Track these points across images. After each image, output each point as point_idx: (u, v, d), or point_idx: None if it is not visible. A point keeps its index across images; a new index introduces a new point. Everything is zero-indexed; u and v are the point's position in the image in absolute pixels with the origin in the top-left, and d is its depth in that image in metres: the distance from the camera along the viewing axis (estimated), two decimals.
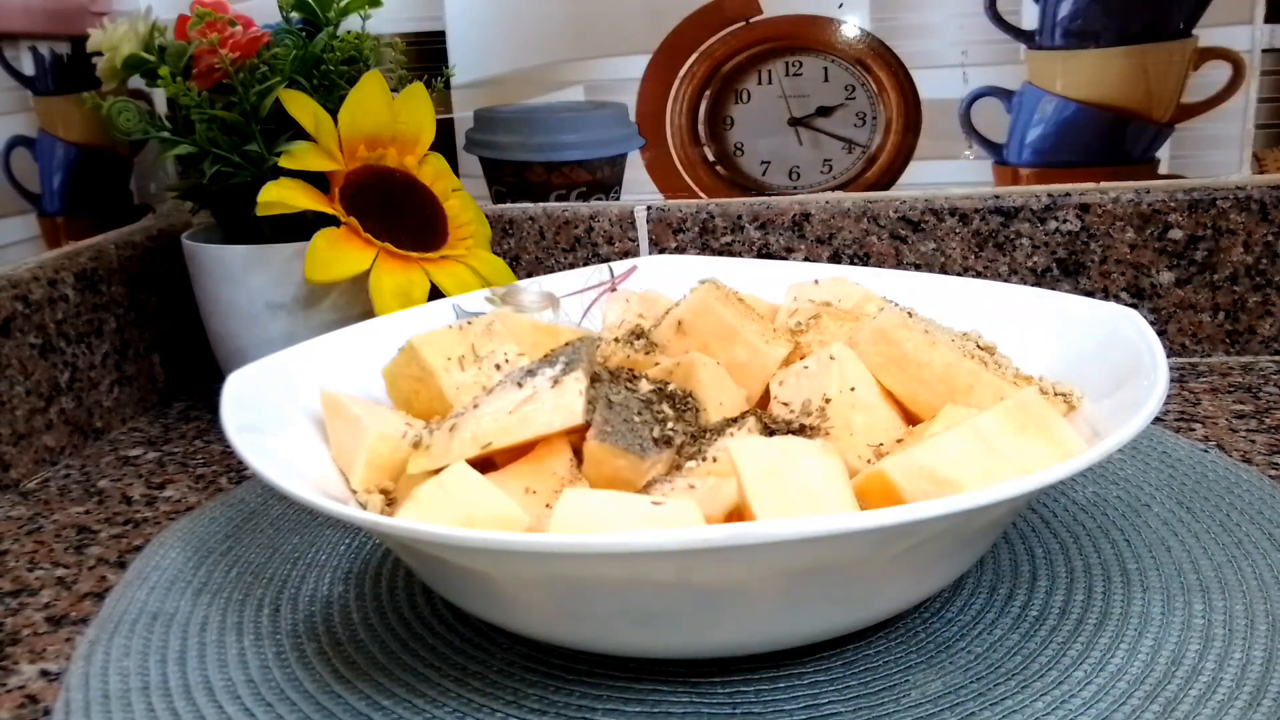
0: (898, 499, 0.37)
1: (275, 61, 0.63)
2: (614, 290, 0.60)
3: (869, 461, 0.43)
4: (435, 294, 0.61)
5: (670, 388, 0.46)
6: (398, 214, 0.64)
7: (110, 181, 0.76)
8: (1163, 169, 0.71)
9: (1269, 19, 0.68)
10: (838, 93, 0.74)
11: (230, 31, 0.61)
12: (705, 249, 0.75)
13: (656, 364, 0.49)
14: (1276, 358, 0.70)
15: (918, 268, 0.72)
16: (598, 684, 0.39)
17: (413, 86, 0.65)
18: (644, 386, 0.45)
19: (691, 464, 0.42)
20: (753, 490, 0.35)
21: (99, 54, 0.66)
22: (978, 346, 0.48)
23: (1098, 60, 0.70)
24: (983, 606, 0.42)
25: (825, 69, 0.74)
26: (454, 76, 0.77)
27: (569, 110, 0.77)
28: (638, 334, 0.53)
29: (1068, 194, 0.70)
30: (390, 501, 0.43)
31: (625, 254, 0.75)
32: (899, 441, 0.44)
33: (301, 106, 0.61)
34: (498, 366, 0.47)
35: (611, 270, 0.61)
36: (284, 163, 0.61)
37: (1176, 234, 0.69)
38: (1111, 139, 0.71)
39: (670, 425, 0.43)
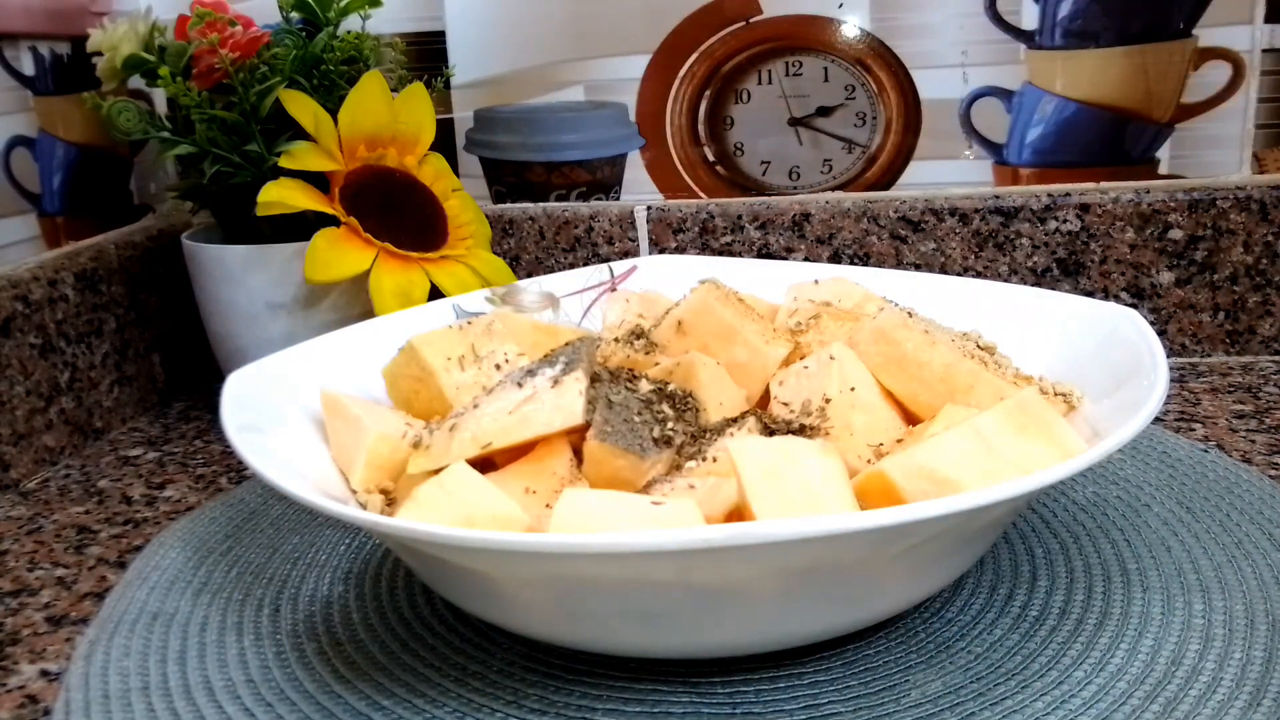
0: (898, 499, 0.37)
1: (275, 61, 0.63)
2: (614, 290, 0.60)
3: (869, 461, 0.43)
4: (435, 294, 0.61)
5: (670, 388, 0.46)
6: (398, 214, 0.64)
7: (110, 181, 0.76)
8: (1163, 169, 0.71)
9: (1269, 19, 0.68)
10: (838, 93, 0.74)
11: (230, 31, 0.61)
12: (705, 249, 0.75)
13: (656, 364, 0.49)
14: (1276, 358, 0.70)
15: (918, 268, 0.72)
16: (598, 684, 0.39)
17: (413, 86, 0.65)
18: (644, 386, 0.45)
19: (691, 464, 0.42)
20: (753, 490, 0.35)
21: (99, 54, 0.66)
22: (978, 346, 0.48)
23: (1098, 60, 0.70)
24: (983, 606, 0.42)
25: (825, 69, 0.74)
26: (454, 76, 0.77)
27: (569, 110, 0.77)
28: (638, 334, 0.53)
29: (1068, 194, 0.70)
30: (390, 501, 0.43)
31: (625, 254, 0.75)
32: (899, 441, 0.44)
33: (301, 106, 0.61)
34: (498, 366, 0.47)
35: (611, 270, 0.61)
36: (284, 163, 0.61)
37: (1176, 234, 0.69)
38: (1111, 139, 0.71)
39: (670, 425, 0.43)
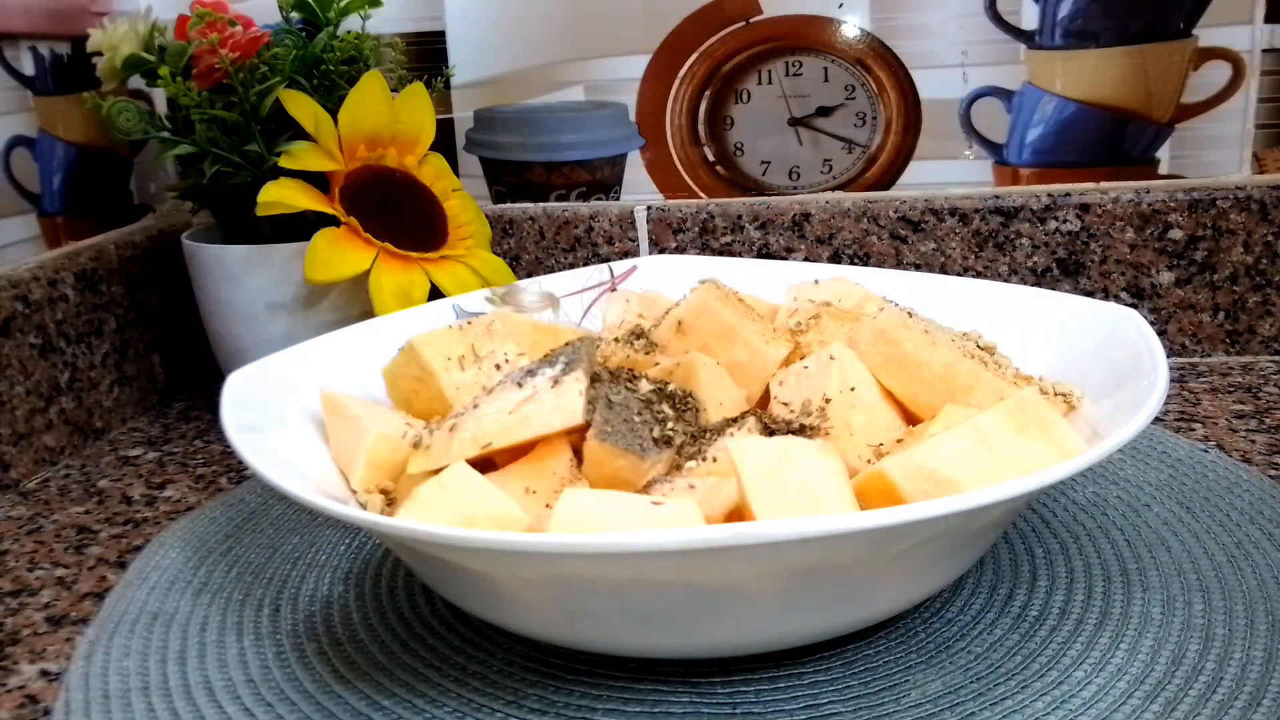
0: (898, 499, 0.37)
1: (275, 61, 0.63)
2: (614, 290, 0.60)
3: (869, 461, 0.43)
4: (435, 294, 0.61)
5: (670, 388, 0.46)
6: (398, 214, 0.64)
7: (110, 181, 0.76)
8: (1163, 169, 0.71)
9: (1269, 19, 0.68)
10: (838, 93, 0.74)
11: (230, 31, 0.61)
12: (705, 249, 0.75)
13: (656, 364, 0.49)
14: (1276, 358, 0.70)
15: (918, 268, 0.72)
16: (598, 684, 0.39)
17: (413, 86, 0.65)
18: (644, 386, 0.45)
19: (691, 464, 0.42)
20: (753, 490, 0.35)
21: (99, 54, 0.66)
22: (978, 346, 0.48)
23: (1098, 60, 0.70)
24: (983, 606, 0.42)
25: (825, 69, 0.74)
26: (454, 76, 0.77)
27: (569, 110, 0.77)
28: (638, 334, 0.53)
29: (1068, 194, 0.70)
30: (390, 501, 0.43)
31: (625, 254, 0.75)
32: (899, 441, 0.44)
33: (301, 106, 0.61)
34: (498, 366, 0.47)
35: (611, 270, 0.61)
36: (284, 163, 0.61)
37: (1176, 234, 0.69)
38: (1111, 139, 0.71)
39: (670, 425, 0.43)
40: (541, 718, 0.37)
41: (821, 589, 0.35)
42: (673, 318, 0.51)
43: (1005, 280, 0.71)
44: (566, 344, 0.46)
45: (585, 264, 0.75)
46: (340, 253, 0.60)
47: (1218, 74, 0.69)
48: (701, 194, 0.77)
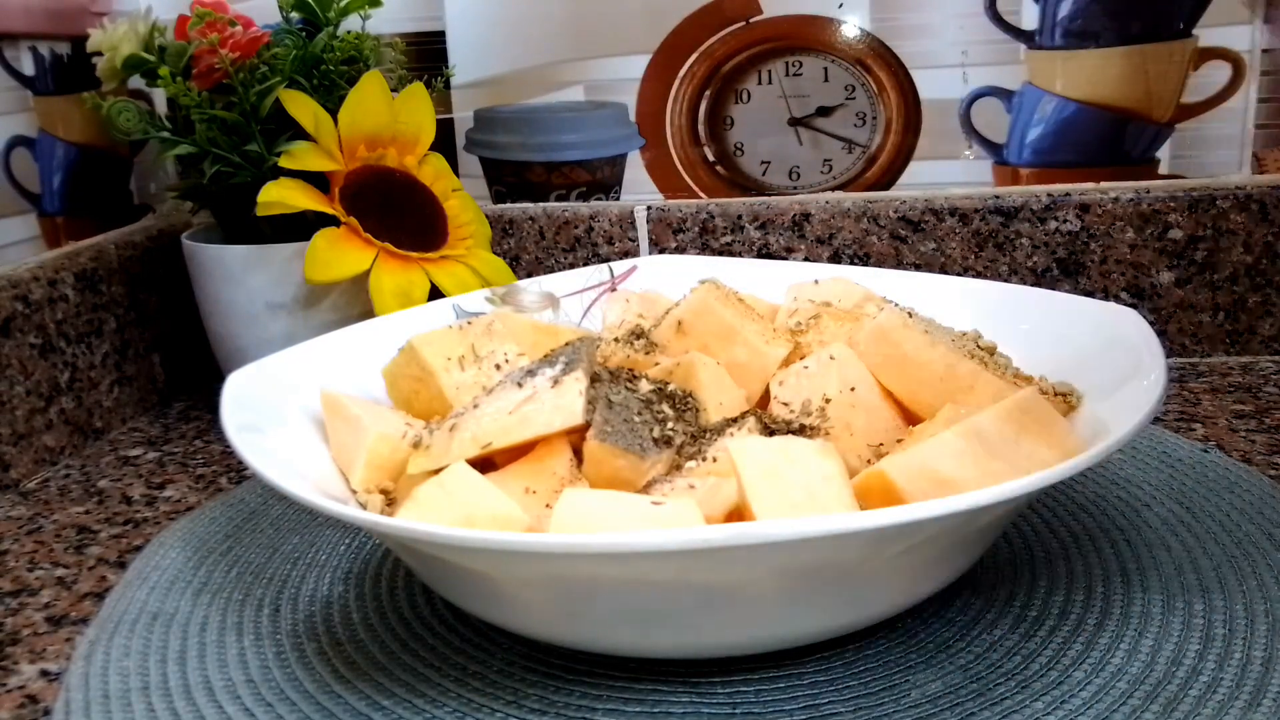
0: (898, 499, 0.37)
1: (275, 61, 0.63)
2: (614, 290, 0.60)
3: (869, 461, 0.43)
4: (435, 294, 0.61)
5: (670, 388, 0.46)
6: (398, 214, 0.64)
7: (110, 181, 0.76)
8: (1163, 169, 0.71)
9: (1269, 19, 0.68)
10: (838, 93, 0.74)
11: (230, 31, 0.61)
12: (705, 249, 0.75)
13: (656, 364, 0.49)
14: (1276, 358, 0.70)
15: (918, 268, 0.72)
16: (598, 684, 0.39)
17: (413, 86, 0.65)
18: (644, 386, 0.45)
19: (691, 464, 0.42)
20: (753, 490, 0.35)
21: (99, 54, 0.66)
22: (978, 346, 0.48)
23: (1098, 60, 0.70)
24: (983, 606, 0.42)
25: (825, 69, 0.74)
26: (454, 76, 0.77)
27: (569, 110, 0.77)
28: (638, 334, 0.53)
29: (1068, 194, 0.70)
30: (390, 501, 0.43)
31: (625, 254, 0.75)
32: (899, 441, 0.44)
33: (301, 106, 0.61)
34: (498, 366, 0.47)
35: (611, 270, 0.61)
36: (284, 163, 0.61)
37: (1176, 234, 0.69)
38: (1111, 139, 0.71)
39: (670, 425, 0.43)
40: (541, 718, 0.37)
41: (821, 589, 0.35)
42: (673, 318, 0.51)
43: (1005, 280, 0.71)
44: (566, 344, 0.46)
45: (585, 264, 0.75)
46: (340, 253, 0.60)
47: (1218, 74, 0.69)
48: (701, 194, 0.77)
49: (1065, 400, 0.44)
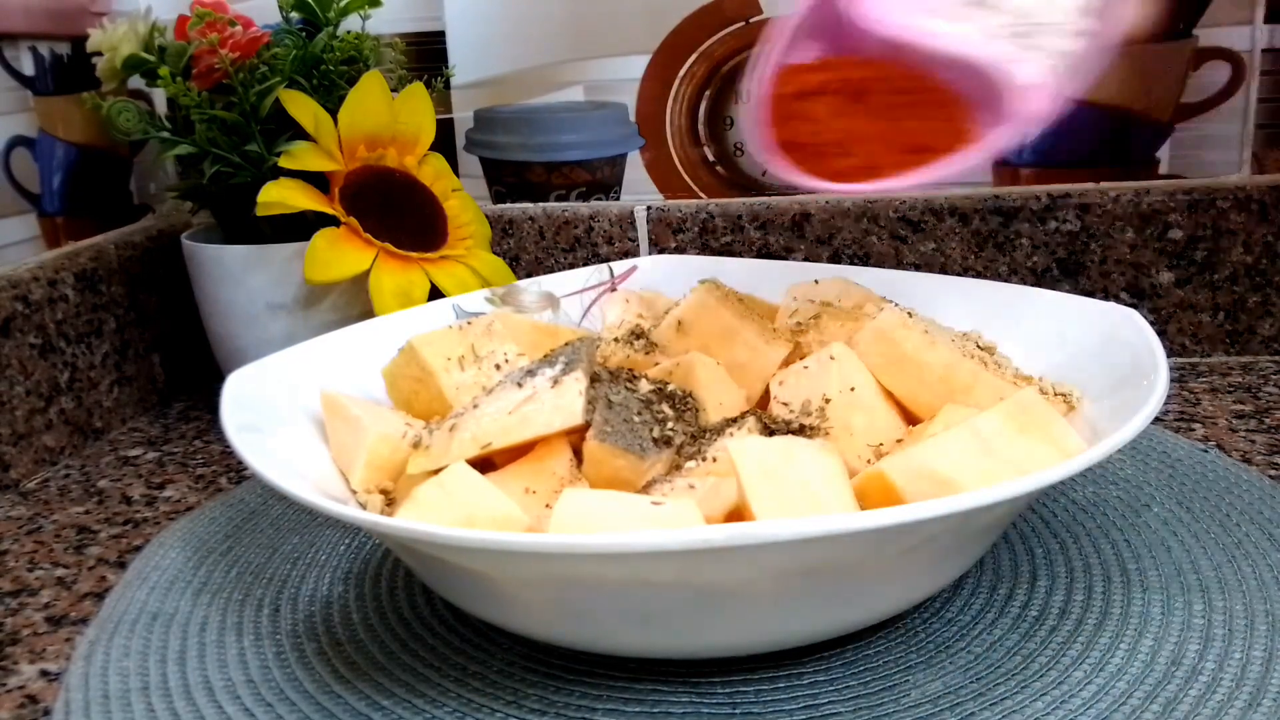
0: (898, 499, 0.37)
1: (275, 61, 0.63)
2: (614, 290, 0.60)
3: (869, 461, 0.43)
4: (435, 294, 0.61)
5: (670, 388, 0.46)
6: (398, 214, 0.64)
7: (110, 181, 0.76)
8: (1163, 169, 0.71)
9: (1269, 19, 0.68)
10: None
11: (230, 31, 0.61)
12: (705, 249, 0.75)
13: (656, 364, 0.49)
14: (1276, 358, 0.70)
15: (918, 268, 0.72)
16: (598, 684, 0.39)
17: (413, 86, 0.65)
18: (644, 386, 0.45)
19: (691, 464, 0.42)
20: (752, 490, 0.35)
21: (99, 54, 0.66)
22: (978, 346, 0.48)
23: None
24: (983, 606, 0.42)
25: None
26: (454, 76, 0.77)
27: (569, 110, 0.77)
28: (638, 334, 0.53)
29: (1068, 194, 0.70)
30: (390, 501, 0.43)
31: (625, 254, 0.75)
32: (899, 441, 0.44)
33: (301, 106, 0.61)
34: (498, 366, 0.47)
35: (611, 270, 0.61)
36: (284, 163, 0.61)
37: (1176, 234, 0.69)
38: (1111, 139, 0.71)
39: (670, 425, 0.43)
40: (541, 718, 0.37)
41: (821, 589, 0.35)
42: (673, 318, 0.51)
43: (1005, 280, 0.71)
44: (566, 344, 0.46)
45: (585, 264, 0.75)
46: (340, 253, 0.60)
47: (1218, 74, 0.69)
48: (701, 194, 0.77)
49: (1065, 400, 0.44)
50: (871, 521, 0.31)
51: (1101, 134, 0.71)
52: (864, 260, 0.73)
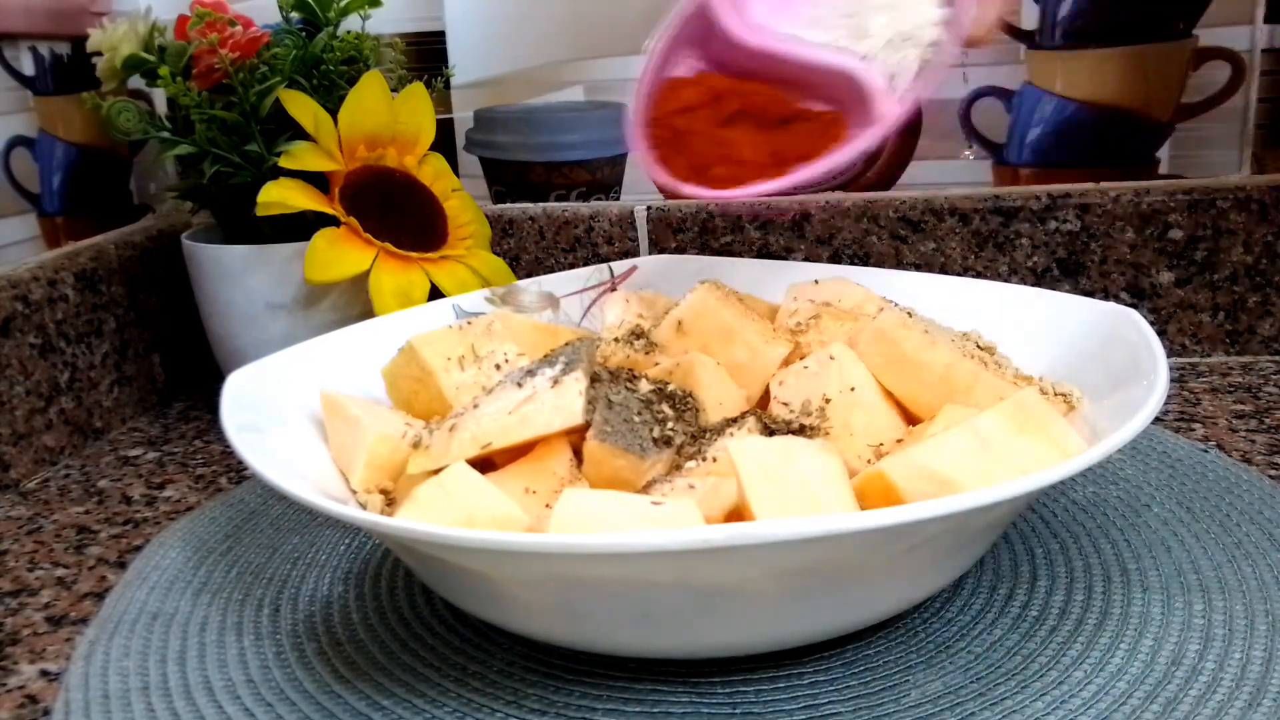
0: (898, 499, 0.37)
1: (275, 61, 0.63)
2: (614, 290, 0.60)
3: (869, 461, 0.43)
4: (435, 294, 0.61)
5: (670, 388, 0.46)
6: (398, 214, 0.64)
7: (110, 181, 0.76)
8: (1163, 169, 0.71)
9: (1269, 19, 0.68)
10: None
11: (230, 31, 0.61)
12: (705, 249, 0.75)
13: (656, 364, 0.49)
14: (1276, 358, 0.70)
15: (918, 268, 0.72)
16: (598, 684, 0.39)
17: (413, 86, 0.65)
18: (644, 386, 0.45)
19: (691, 464, 0.42)
20: (752, 490, 0.35)
21: (99, 54, 0.66)
22: (978, 346, 0.48)
23: (1098, 60, 0.70)
24: (983, 606, 0.42)
25: None
26: (454, 76, 0.77)
27: (569, 110, 0.77)
28: (638, 334, 0.53)
29: (1068, 194, 0.70)
30: (390, 501, 0.43)
31: (625, 254, 0.75)
32: (899, 441, 0.44)
33: (301, 106, 0.61)
34: (498, 366, 0.47)
35: (611, 270, 0.61)
36: (284, 163, 0.61)
37: (1176, 234, 0.69)
38: (1111, 139, 0.71)
39: (670, 425, 0.43)
40: (541, 718, 0.37)
41: (821, 589, 0.35)
42: (673, 318, 0.51)
43: (1005, 280, 0.71)
44: (566, 344, 0.46)
45: (585, 264, 0.75)
46: (340, 253, 0.60)
47: (1218, 74, 0.69)
48: None
49: (1065, 400, 0.44)
50: (871, 521, 0.31)
51: (1101, 134, 0.71)
52: (864, 260, 0.73)
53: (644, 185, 0.78)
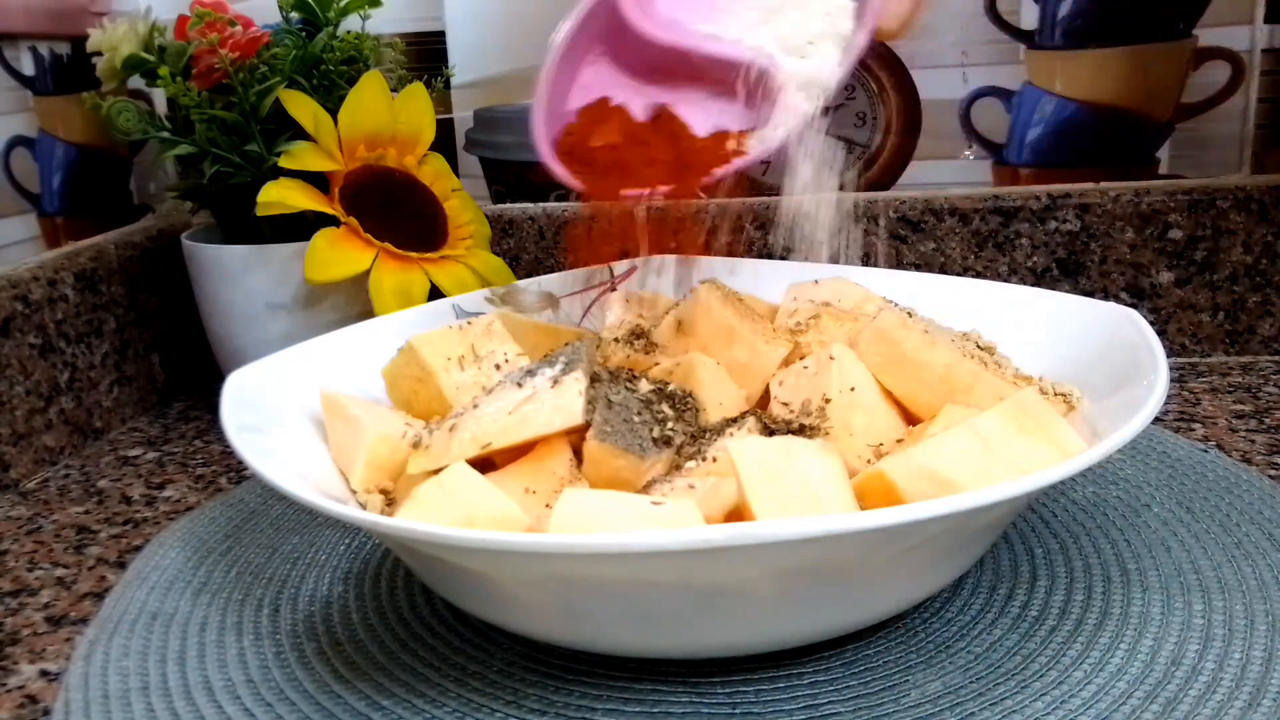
0: (897, 499, 0.37)
1: (275, 61, 0.63)
2: (614, 290, 0.60)
3: (869, 461, 0.43)
4: (435, 294, 0.61)
5: (670, 388, 0.46)
6: (398, 214, 0.64)
7: (110, 181, 0.76)
8: (1163, 169, 0.71)
9: (1269, 19, 0.68)
10: (837, 93, 0.74)
11: (230, 31, 0.61)
12: (705, 249, 0.74)
13: (656, 364, 0.49)
14: (1276, 358, 0.70)
15: (918, 268, 0.72)
16: (598, 684, 0.39)
17: (413, 86, 0.65)
18: (644, 386, 0.45)
19: (691, 464, 0.42)
20: (752, 490, 0.35)
21: (99, 54, 0.66)
22: (978, 346, 0.48)
23: (1098, 60, 0.70)
24: (983, 606, 0.42)
25: None
26: (454, 76, 0.77)
27: None
28: (638, 334, 0.53)
29: (1068, 194, 0.70)
30: (390, 501, 0.43)
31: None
32: (899, 441, 0.44)
33: (301, 106, 0.61)
34: (497, 366, 0.47)
35: (611, 270, 0.61)
36: (284, 163, 0.61)
37: (1176, 234, 0.69)
38: (1111, 139, 0.71)
39: (670, 425, 0.43)
40: (541, 718, 0.37)
41: (821, 589, 0.35)
42: (673, 318, 0.51)
43: (1005, 280, 0.71)
44: (566, 344, 0.46)
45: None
46: (340, 253, 0.60)
47: (1218, 74, 0.69)
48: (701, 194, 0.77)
49: (1065, 400, 0.44)
50: (871, 521, 0.31)
51: (1101, 134, 0.71)
52: (864, 260, 0.73)
53: None
